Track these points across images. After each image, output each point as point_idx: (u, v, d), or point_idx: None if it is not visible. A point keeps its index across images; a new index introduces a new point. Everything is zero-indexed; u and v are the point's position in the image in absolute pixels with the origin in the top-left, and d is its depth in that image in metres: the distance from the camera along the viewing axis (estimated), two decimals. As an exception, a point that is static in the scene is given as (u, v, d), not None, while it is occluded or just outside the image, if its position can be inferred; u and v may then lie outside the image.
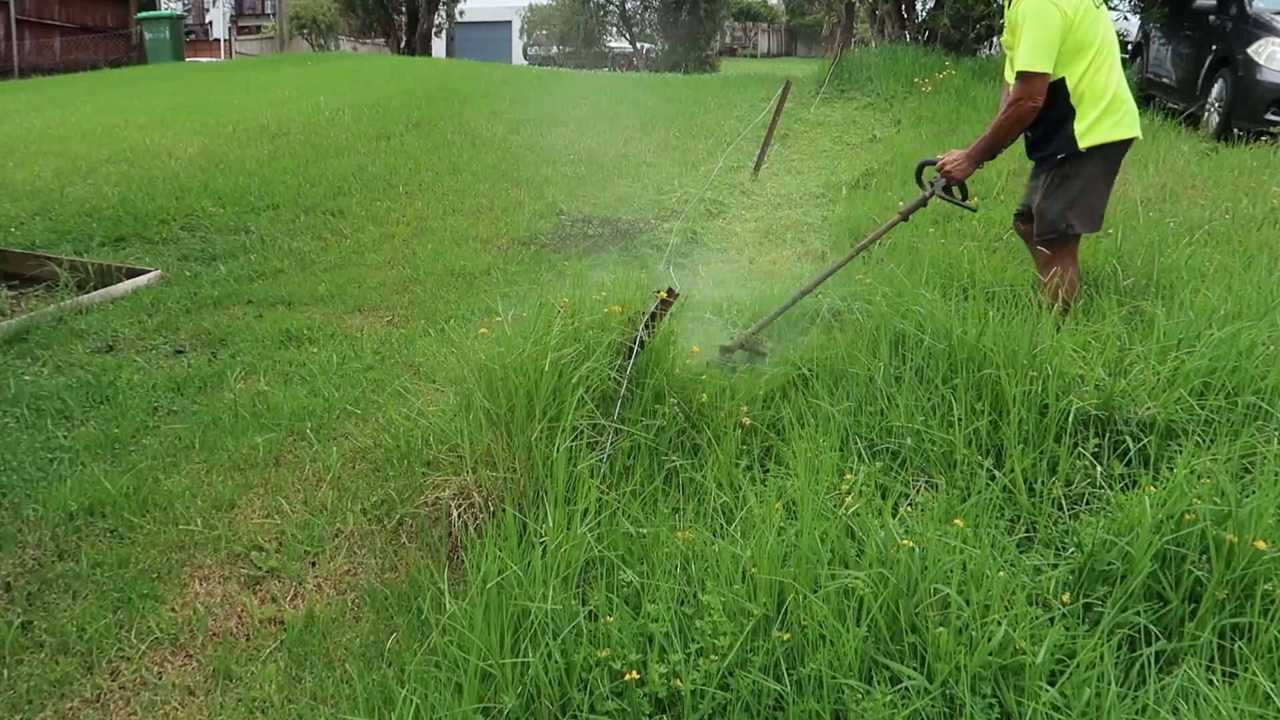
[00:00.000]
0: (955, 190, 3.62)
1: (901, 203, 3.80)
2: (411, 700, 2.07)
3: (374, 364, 4.09)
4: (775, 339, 3.74)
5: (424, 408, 3.40)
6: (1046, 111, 3.49)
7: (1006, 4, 3.63)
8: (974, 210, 3.82)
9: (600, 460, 2.82)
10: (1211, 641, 2.08)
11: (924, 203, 3.65)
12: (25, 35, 21.40)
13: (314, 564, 2.86)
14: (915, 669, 2.01)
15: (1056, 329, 3.10)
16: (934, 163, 3.62)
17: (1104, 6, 3.57)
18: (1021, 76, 3.40)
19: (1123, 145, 3.57)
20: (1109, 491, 2.56)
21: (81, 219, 6.35)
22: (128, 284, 5.12)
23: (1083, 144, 3.49)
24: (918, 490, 2.67)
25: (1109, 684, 1.93)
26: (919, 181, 3.73)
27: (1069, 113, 3.50)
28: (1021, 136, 3.62)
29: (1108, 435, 2.77)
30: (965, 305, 3.26)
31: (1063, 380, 2.83)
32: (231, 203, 6.66)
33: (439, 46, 27.50)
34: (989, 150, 3.55)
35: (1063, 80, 3.48)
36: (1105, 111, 3.48)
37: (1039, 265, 3.77)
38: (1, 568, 2.82)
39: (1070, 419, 2.75)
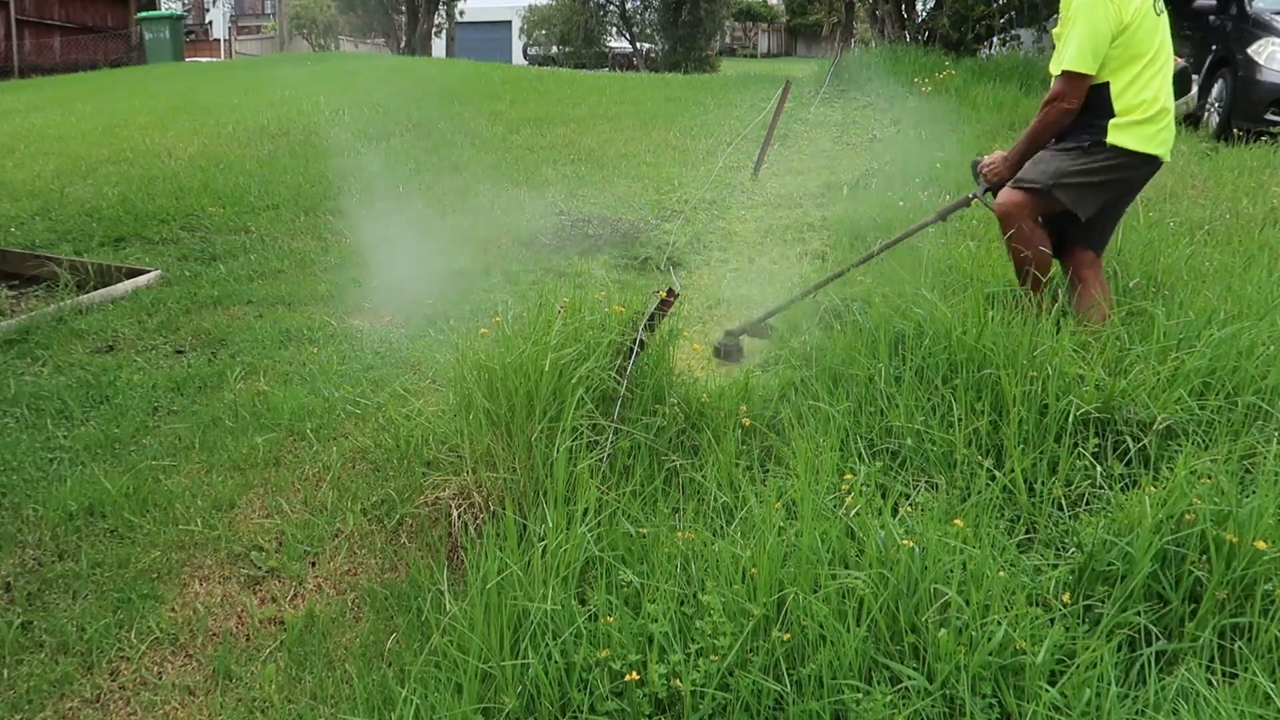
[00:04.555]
0: (992, 196, 3.54)
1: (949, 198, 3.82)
2: (411, 700, 2.08)
3: (374, 364, 4.09)
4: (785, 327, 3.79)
5: (424, 408, 3.40)
6: (1082, 113, 3.32)
7: None
8: None
9: (600, 460, 2.82)
10: (1211, 641, 2.08)
11: (966, 203, 3.64)
12: (25, 35, 21.41)
13: (314, 564, 2.86)
14: (915, 669, 2.01)
15: (1059, 325, 3.09)
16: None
17: (1164, 15, 3.37)
18: (1062, 75, 3.23)
19: (1150, 160, 3.37)
20: (1109, 491, 2.56)
21: (81, 219, 6.35)
22: (128, 284, 5.12)
23: (1109, 139, 3.30)
24: (918, 490, 2.67)
25: (1109, 684, 1.93)
26: (975, 177, 3.67)
27: (1108, 115, 3.31)
28: None
29: (1108, 435, 2.77)
30: (965, 305, 3.26)
31: (1063, 380, 2.83)
32: (231, 203, 6.66)
33: (439, 46, 27.52)
34: (1025, 153, 3.42)
35: (1106, 85, 3.29)
36: (1147, 121, 3.29)
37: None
38: (1, 568, 2.82)
39: (1070, 419, 2.75)
